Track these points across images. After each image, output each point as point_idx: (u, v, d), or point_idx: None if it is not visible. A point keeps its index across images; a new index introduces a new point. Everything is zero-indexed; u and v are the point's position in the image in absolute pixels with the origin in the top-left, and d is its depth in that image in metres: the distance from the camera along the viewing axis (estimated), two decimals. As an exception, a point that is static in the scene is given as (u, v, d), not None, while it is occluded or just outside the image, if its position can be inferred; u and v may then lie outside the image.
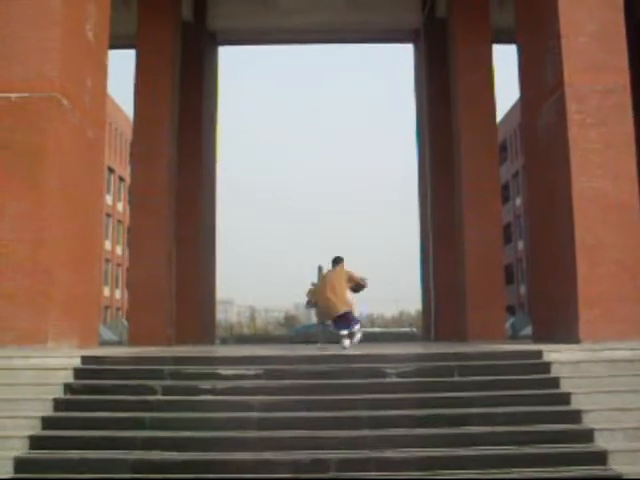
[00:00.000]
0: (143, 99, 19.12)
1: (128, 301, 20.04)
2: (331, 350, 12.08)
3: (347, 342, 12.69)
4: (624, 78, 11.87)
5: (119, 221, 63.38)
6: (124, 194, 62.70)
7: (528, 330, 20.57)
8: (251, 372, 8.94)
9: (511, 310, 48.76)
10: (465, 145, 18.95)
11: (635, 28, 18.13)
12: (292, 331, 45.85)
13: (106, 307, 58.59)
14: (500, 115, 37.38)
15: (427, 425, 7.84)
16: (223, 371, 9.02)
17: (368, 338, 25.29)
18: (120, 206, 63.33)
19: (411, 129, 25.98)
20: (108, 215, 58.69)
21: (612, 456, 7.18)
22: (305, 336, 30.11)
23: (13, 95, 11.30)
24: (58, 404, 8.29)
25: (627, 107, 11.85)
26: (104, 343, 20.41)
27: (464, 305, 18.51)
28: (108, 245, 59.35)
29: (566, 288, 11.75)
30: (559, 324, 12.17)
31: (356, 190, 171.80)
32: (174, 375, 8.98)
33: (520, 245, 56.96)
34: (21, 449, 7.48)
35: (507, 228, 55.04)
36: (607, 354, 9.32)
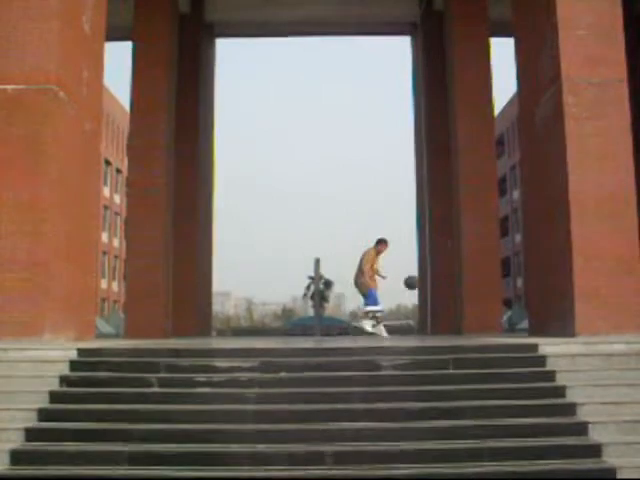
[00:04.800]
0: (140, 91, 19.06)
1: (125, 294, 20.03)
2: (327, 343, 12.10)
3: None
4: (621, 71, 11.85)
5: (116, 213, 63.34)
6: (121, 186, 62.57)
7: (525, 323, 20.58)
8: (247, 365, 8.94)
9: (508, 303, 48.90)
10: (462, 138, 18.95)
11: (633, 21, 18.09)
12: (288, 324, 45.86)
13: (103, 299, 58.62)
14: (498, 108, 37.34)
15: (422, 418, 7.86)
16: (219, 363, 9.02)
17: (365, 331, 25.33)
18: (117, 198, 63.25)
19: (409, 120, 26.01)
20: (105, 207, 58.67)
21: (606, 449, 7.20)
22: (301, 328, 30.19)
23: (9, 87, 11.26)
24: (54, 396, 8.29)
25: (624, 100, 11.83)
26: (101, 335, 20.42)
27: (460, 298, 18.54)
28: (105, 237, 59.31)
29: (562, 281, 11.76)
30: (555, 317, 12.19)
31: (355, 183, 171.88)
32: (170, 367, 8.98)
33: (517, 238, 56.99)
34: (17, 441, 7.48)
35: (504, 221, 55.04)
36: (603, 347, 9.33)
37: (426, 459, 7.11)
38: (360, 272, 12.97)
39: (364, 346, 10.31)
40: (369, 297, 13.21)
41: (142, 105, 18.99)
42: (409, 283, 13.45)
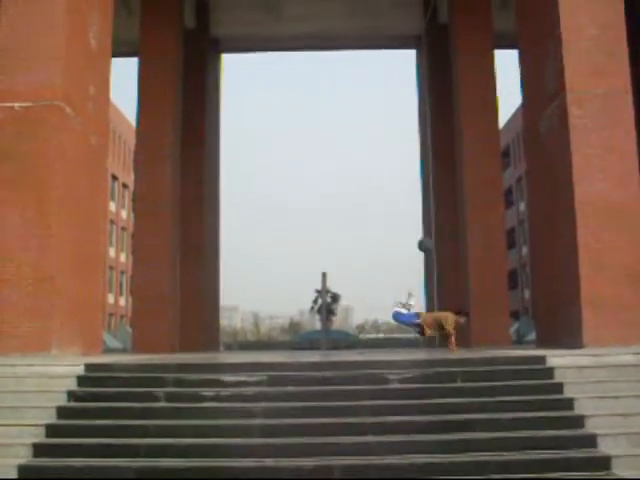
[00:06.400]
0: (146, 106, 19.17)
1: (132, 308, 20.04)
2: (334, 356, 12.07)
3: None
4: (625, 82, 11.88)
5: (123, 228, 63.41)
6: (128, 201, 62.71)
7: (533, 335, 20.50)
8: (254, 379, 8.94)
9: (515, 315, 48.70)
10: (468, 151, 18.93)
11: (636, 29, 18.08)
12: (298, 337, 45.89)
13: (110, 314, 58.61)
14: (503, 120, 37.35)
15: (430, 431, 7.84)
16: (226, 378, 9.02)
17: (372, 344, 25.30)
18: (124, 213, 63.37)
19: (415, 131, 26.03)
20: (112, 222, 58.77)
21: (615, 461, 7.16)
22: (309, 342, 30.17)
23: (17, 104, 11.36)
24: (62, 412, 8.30)
25: (628, 111, 11.86)
26: (108, 350, 20.43)
27: (468, 310, 18.45)
28: (112, 252, 59.40)
29: (569, 293, 11.73)
30: (562, 328, 12.15)
31: (361, 196, 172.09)
32: (177, 382, 8.98)
33: (524, 250, 56.77)
34: (25, 456, 7.49)
35: (511, 233, 54.89)
36: (611, 359, 9.30)
37: (435, 472, 7.07)
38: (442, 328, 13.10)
39: (371, 360, 10.28)
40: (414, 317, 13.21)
41: (148, 119, 19.10)
42: (424, 246, 13.16)
